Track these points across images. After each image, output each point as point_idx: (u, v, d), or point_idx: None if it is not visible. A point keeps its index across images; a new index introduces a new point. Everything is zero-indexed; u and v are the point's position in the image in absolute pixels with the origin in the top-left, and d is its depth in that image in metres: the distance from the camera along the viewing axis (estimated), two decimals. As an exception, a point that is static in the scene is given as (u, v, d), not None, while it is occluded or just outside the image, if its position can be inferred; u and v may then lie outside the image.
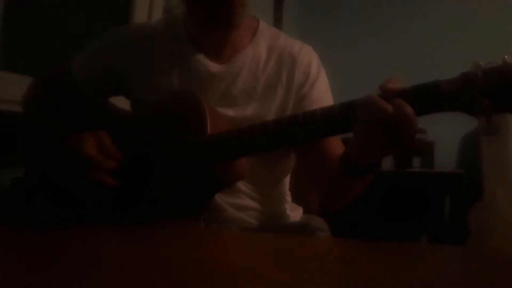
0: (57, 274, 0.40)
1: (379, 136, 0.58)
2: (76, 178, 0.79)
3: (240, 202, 0.87)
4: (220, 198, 0.84)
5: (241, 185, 0.86)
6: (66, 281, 0.38)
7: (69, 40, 1.58)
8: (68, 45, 1.56)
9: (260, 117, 0.82)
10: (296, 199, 1.03)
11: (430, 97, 0.57)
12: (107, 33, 0.97)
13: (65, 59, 1.00)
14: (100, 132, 0.78)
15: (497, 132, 0.54)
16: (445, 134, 2.25)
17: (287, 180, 0.98)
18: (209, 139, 0.72)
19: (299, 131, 0.67)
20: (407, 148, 0.58)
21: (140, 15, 1.85)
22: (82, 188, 0.80)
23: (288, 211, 0.95)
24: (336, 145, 0.83)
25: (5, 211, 0.90)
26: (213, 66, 0.87)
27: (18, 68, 1.37)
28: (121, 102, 0.97)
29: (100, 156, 0.75)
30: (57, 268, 0.43)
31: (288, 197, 0.98)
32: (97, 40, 0.97)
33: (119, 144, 0.80)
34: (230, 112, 0.85)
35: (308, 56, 0.90)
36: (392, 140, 0.59)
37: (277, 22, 2.64)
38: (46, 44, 1.51)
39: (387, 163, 2.26)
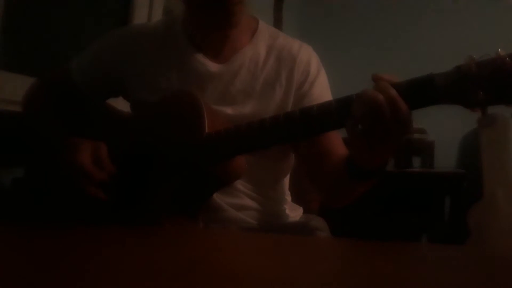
0: (57, 274, 0.40)
1: (372, 129, 0.58)
2: (70, 183, 0.79)
3: (239, 202, 0.87)
4: (219, 198, 0.84)
5: (240, 185, 0.86)
6: (66, 281, 0.38)
7: (69, 40, 1.58)
8: (68, 45, 1.56)
9: (258, 115, 0.82)
10: (296, 199, 1.03)
11: (425, 90, 0.57)
12: (107, 34, 0.97)
13: (65, 59, 1.00)
14: (98, 143, 0.78)
15: (492, 124, 0.54)
16: (445, 134, 2.25)
17: (286, 180, 0.98)
18: (207, 138, 0.72)
19: (297, 127, 0.67)
20: (405, 145, 0.58)
21: (140, 15, 1.85)
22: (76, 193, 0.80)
23: (287, 211, 0.95)
24: (337, 143, 0.83)
25: (5, 211, 0.90)
26: (212, 66, 0.87)
27: (18, 68, 1.37)
28: (121, 104, 0.97)
29: (94, 168, 0.76)
30: (57, 268, 0.43)
31: (288, 197, 0.98)
32: (97, 41, 0.97)
33: (118, 146, 0.80)
34: (228, 110, 0.85)
35: (307, 55, 0.90)
36: (385, 132, 0.58)
37: (277, 22, 2.64)
38: (46, 44, 1.51)
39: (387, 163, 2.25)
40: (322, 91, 0.90)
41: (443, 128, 2.11)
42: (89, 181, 0.76)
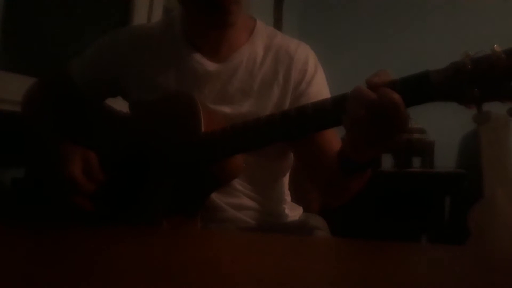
0: (57, 274, 0.40)
1: (368, 127, 0.57)
2: (61, 191, 0.79)
3: (237, 202, 0.87)
4: (218, 198, 0.84)
5: (239, 184, 0.86)
6: (66, 281, 0.38)
7: (69, 40, 1.58)
8: (68, 45, 1.56)
9: (256, 115, 0.82)
10: (297, 199, 1.02)
11: (420, 87, 0.57)
12: (106, 35, 0.97)
13: (65, 59, 1.00)
14: (89, 152, 0.78)
15: (488, 121, 0.54)
16: (445, 134, 2.24)
17: (286, 180, 0.98)
18: (203, 138, 0.72)
19: (292, 126, 0.67)
20: (402, 142, 0.58)
21: (140, 15, 1.85)
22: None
23: (287, 211, 0.95)
24: (333, 141, 0.83)
25: (5, 211, 0.90)
26: (210, 65, 0.87)
27: (18, 68, 1.37)
28: (120, 104, 0.97)
29: (83, 179, 0.76)
30: (57, 268, 0.43)
31: (287, 197, 0.98)
32: (96, 42, 0.97)
33: (115, 146, 0.80)
34: (226, 110, 0.85)
35: (304, 54, 0.90)
36: (383, 131, 0.58)
37: (277, 22, 2.64)
38: (46, 45, 1.51)
39: (387, 163, 2.25)
40: (320, 90, 0.90)
41: (443, 128, 2.11)
42: (77, 192, 0.76)
